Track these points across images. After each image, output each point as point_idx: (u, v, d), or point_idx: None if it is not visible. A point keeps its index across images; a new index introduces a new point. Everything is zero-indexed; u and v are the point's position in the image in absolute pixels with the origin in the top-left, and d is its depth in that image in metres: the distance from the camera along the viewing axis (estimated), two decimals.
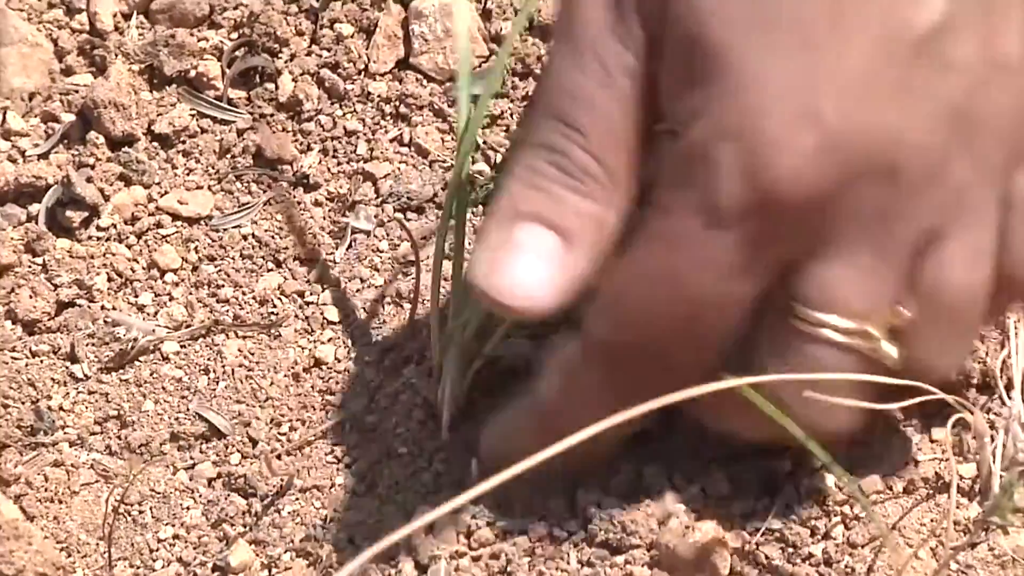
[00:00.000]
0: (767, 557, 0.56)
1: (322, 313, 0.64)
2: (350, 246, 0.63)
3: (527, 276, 0.51)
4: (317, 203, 0.65)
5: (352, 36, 0.68)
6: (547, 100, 0.52)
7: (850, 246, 0.52)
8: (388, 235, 0.64)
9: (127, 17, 0.70)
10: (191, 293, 0.65)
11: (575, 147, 0.51)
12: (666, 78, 0.52)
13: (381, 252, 0.64)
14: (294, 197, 0.66)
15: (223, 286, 0.65)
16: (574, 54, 0.52)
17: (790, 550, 0.56)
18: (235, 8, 0.69)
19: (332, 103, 0.67)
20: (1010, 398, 0.60)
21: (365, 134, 0.67)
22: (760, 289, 0.53)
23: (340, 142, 0.67)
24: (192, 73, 0.67)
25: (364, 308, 0.63)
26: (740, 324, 0.54)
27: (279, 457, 0.60)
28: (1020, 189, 0.55)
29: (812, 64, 0.51)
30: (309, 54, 0.68)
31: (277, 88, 0.68)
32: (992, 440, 0.59)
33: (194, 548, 0.58)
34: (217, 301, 0.64)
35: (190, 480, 0.60)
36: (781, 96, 0.51)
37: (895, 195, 0.52)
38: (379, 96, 0.68)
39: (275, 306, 0.64)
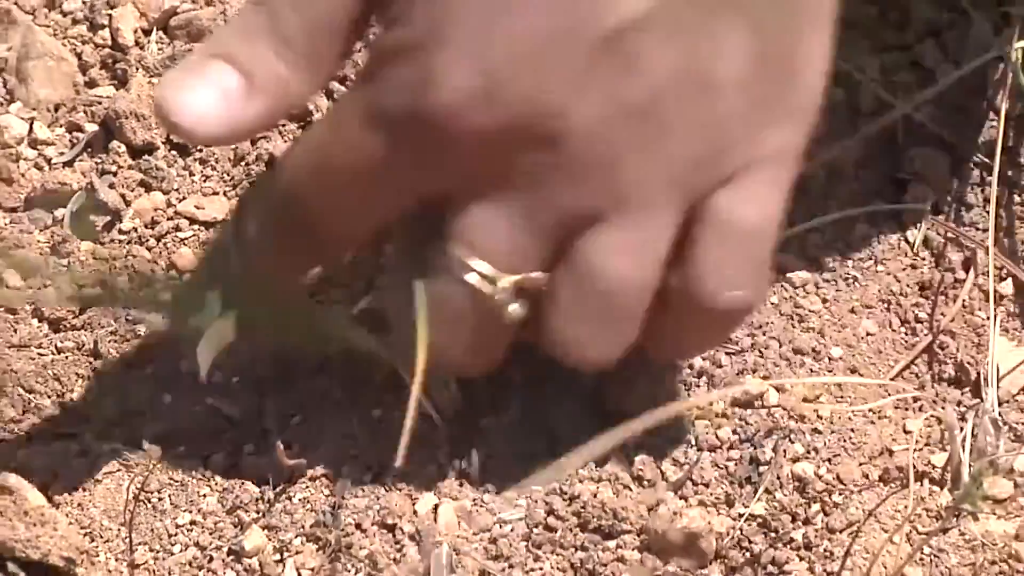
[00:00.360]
0: (750, 541, 0.57)
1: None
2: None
3: (200, 103, 0.53)
4: None
5: (359, 51, 0.66)
6: None
7: (502, 198, 0.53)
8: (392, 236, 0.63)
9: (147, 33, 0.70)
10: None
11: (290, 16, 0.53)
12: None
13: (385, 252, 0.63)
14: None
15: None
16: None
17: (772, 535, 0.57)
18: None
19: None
20: (985, 393, 0.60)
21: None
22: (406, 199, 0.54)
23: None
24: None
25: (371, 306, 0.62)
26: (390, 219, 0.55)
27: (290, 447, 0.60)
28: (715, 207, 0.54)
29: (496, 22, 0.52)
30: None
31: None
32: (962, 431, 0.60)
33: (210, 533, 0.58)
34: None
35: (206, 469, 0.60)
36: (460, 38, 0.52)
37: (553, 167, 0.52)
38: None
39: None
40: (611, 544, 0.57)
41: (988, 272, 0.64)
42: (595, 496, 0.57)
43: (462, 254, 0.53)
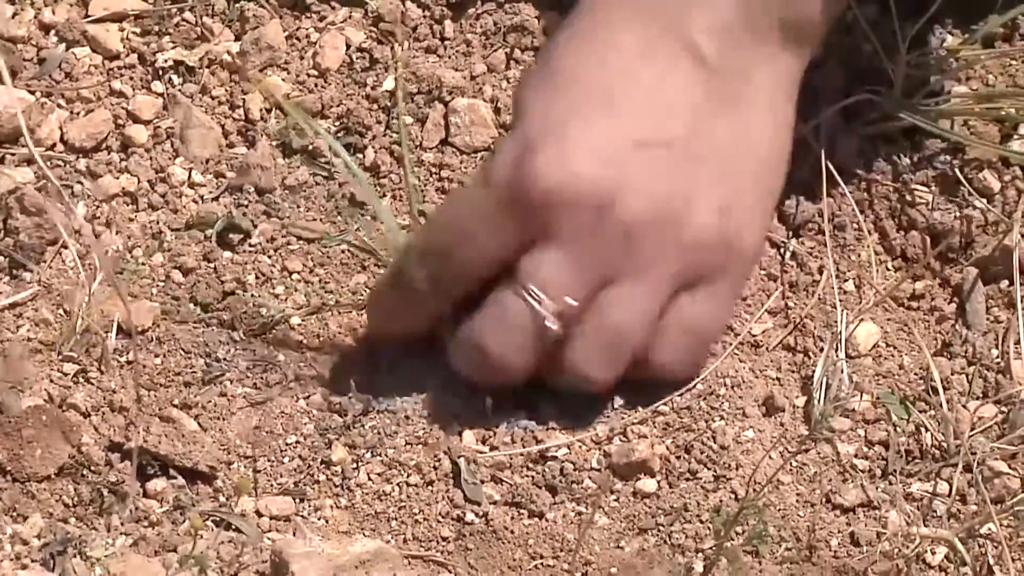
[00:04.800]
0: (676, 459, 0.64)
1: None
2: None
3: None
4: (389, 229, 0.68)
5: (412, 124, 0.73)
6: None
7: (562, 250, 0.60)
8: None
9: (269, 111, 0.74)
10: (308, 286, 0.69)
11: None
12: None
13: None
14: (375, 226, 0.70)
15: (329, 282, 0.69)
16: None
17: (688, 454, 0.65)
18: (338, 106, 0.74)
19: (399, 167, 0.72)
20: (836, 356, 0.67)
21: (420, 186, 0.72)
22: (506, 248, 0.60)
23: (403, 191, 0.71)
24: (310, 147, 0.72)
25: None
26: (488, 272, 0.61)
27: (362, 391, 0.65)
28: (680, 304, 0.61)
29: (565, 123, 0.60)
30: (385, 135, 0.73)
31: (364, 157, 0.72)
32: (819, 382, 0.66)
33: (308, 449, 0.64)
34: (325, 291, 0.69)
35: (306, 405, 0.65)
36: (543, 132, 0.60)
37: (599, 228, 0.59)
38: (429, 162, 0.72)
39: (362, 295, 0.69)
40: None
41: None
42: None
43: (527, 280, 0.60)
